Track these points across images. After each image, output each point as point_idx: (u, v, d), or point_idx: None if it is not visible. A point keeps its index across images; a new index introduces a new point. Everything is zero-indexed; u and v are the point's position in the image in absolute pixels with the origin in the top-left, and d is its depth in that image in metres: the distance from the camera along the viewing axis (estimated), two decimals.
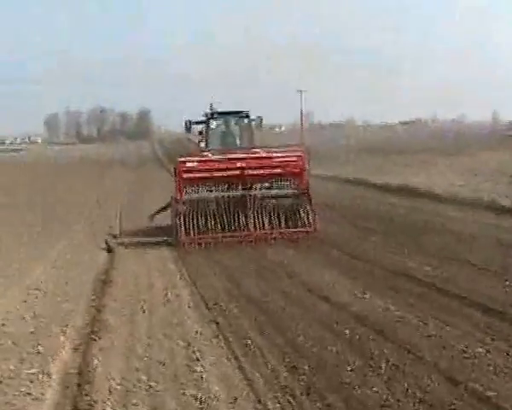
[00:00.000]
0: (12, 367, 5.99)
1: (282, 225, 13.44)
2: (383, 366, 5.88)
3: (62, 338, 6.94)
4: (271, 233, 13.27)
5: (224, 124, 17.26)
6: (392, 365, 5.90)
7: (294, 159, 14.17)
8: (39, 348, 6.52)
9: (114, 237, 14.72)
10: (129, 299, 9.03)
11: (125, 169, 48.08)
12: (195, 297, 9.11)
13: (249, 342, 6.83)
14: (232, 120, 17.24)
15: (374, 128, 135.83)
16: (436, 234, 13.03)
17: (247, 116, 17.10)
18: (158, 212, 15.48)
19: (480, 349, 6.21)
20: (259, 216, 13.37)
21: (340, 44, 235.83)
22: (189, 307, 8.55)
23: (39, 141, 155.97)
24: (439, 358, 6.04)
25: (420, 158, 35.71)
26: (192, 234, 13.13)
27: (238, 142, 17.01)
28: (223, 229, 13.28)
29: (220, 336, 7.10)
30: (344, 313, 7.86)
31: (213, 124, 16.91)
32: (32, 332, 7.21)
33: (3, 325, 7.59)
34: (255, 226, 13.26)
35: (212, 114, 17.01)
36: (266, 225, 13.36)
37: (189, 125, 17.82)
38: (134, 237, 14.66)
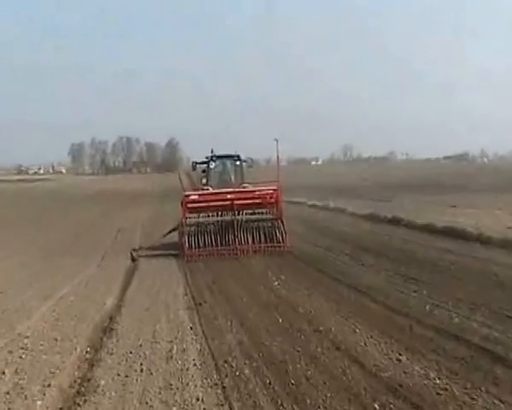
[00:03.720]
0: None
1: (262, 241, 18.06)
2: None
3: (40, 402, 6.29)
4: (253, 248, 17.84)
5: (221, 165, 22.30)
6: None
7: (271, 192, 18.78)
8: None
9: (135, 250, 19.30)
10: (128, 353, 8.34)
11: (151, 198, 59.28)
12: (204, 352, 8.34)
13: None
14: (227, 162, 22.34)
15: (417, 162, 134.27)
16: (487, 284, 12.00)
17: (239, 158, 22.18)
18: (169, 232, 20.19)
19: None
20: (244, 235, 18.05)
21: None
22: (194, 365, 7.81)
23: (63, 171, 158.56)
24: None
25: (467, 196, 34.59)
26: (194, 249, 17.67)
27: (233, 179, 21.93)
28: (217, 245, 17.80)
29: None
30: (375, 380, 7.01)
31: (212, 165, 21.96)
32: (6, 393, 6.60)
33: None
34: (241, 243, 17.90)
35: (212, 157, 21.98)
36: (249, 241, 17.97)
37: (194, 166, 23.08)
38: (150, 251, 19.25)
